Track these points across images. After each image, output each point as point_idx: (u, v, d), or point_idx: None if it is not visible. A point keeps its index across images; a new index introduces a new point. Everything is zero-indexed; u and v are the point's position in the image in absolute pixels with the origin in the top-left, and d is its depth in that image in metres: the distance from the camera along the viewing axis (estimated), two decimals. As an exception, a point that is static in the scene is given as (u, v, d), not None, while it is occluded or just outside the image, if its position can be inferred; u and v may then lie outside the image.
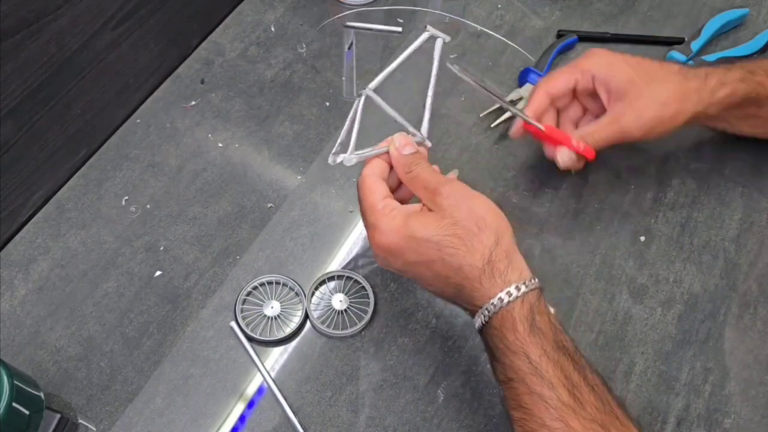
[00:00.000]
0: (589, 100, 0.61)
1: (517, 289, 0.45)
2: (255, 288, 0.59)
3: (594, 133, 0.57)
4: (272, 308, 0.58)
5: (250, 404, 0.54)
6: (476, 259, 0.46)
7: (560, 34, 0.76)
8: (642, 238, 0.63)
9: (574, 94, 0.61)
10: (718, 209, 0.65)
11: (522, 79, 0.71)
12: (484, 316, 0.46)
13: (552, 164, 0.67)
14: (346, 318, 0.58)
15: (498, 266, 0.46)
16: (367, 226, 0.51)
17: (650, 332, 0.58)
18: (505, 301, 0.45)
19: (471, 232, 0.46)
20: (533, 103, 0.58)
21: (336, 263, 0.61)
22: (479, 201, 0.48)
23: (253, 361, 0.56)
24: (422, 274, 0.49)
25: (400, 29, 0.76)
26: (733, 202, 0.65)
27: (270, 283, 0.59)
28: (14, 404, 0.42)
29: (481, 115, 0.70)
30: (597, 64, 0.56)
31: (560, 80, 0.58)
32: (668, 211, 0.65)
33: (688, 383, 0.56)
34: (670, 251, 0.63)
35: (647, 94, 0.56)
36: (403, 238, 0.48)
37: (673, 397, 0.55)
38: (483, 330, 0.47)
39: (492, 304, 0.45)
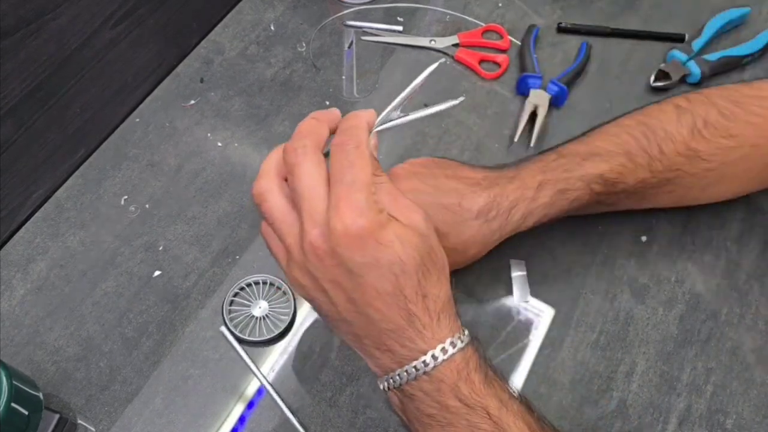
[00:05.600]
0: None
1: (467, 335, 0.40)
2: (242, 289, 0.59)
3: None
4: (260, 308, 0.58)
5: (250, 405, 0.54)
6: (444, 287, 0.39)
7: (561, 29, 0.76)
8: (643, 238, 0.63)
9: None
10: (720, 209, 0.65)
11: (522, 87, 0.70)
12: (426, 365, 0.38)
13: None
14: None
15: (451, 309, 0.40)
16: (341, 192, 0.37)
17: (652, 332, 0.58)
18: (457, 346, 0.38)
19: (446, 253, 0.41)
20: None
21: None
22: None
23: (246, 362, 0.55)
24: (362, 287, 0.38)
25: (400, 28, 0.76)
26: (735, 202, 0.65)
27: (257, 283, 0.59)
28: (13, 404, 0.42)
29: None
30: None
31: None
32: (670, 210, 0.65)
33: (689, 383, 0.56)
34: (671, 251, 0.62)
35: (449, 241, 0.50)
36: (372, 228, 0.37)
37: (674, 397, 0.55)
38: (415, 386, 0.38)
39: (442, 347, 0.38)
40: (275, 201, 0.40)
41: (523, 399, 0.40)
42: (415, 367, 0.38)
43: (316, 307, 0.41)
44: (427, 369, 0.37)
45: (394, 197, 0.40)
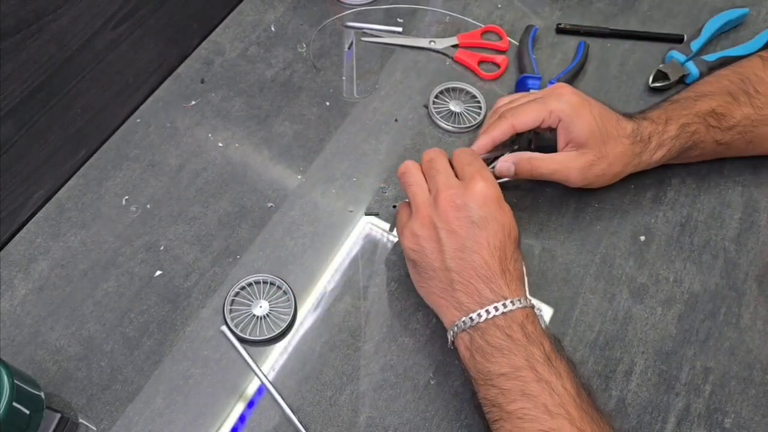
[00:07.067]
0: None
1: (532, 304, 0.51)
2: (243, 288, 0.59)
3: (539, 163, 0.59)
4: (261, 308, 0.58)
5: (250, 404, 0.54)
6: (519, 267, 0.52)
7: (560, 30, 0.76)
8: (642, 238, 0.63)
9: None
10: (718, 209, 0.65)
11: (521, 88, 0.71)
12: (505, 307, 0.49)
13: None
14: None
15: (522, 283, 0.52)
16: (475, 171, 0.53)
17: (650, 332, 0.58)
18: (530, 300, 0.50)
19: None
20: (496, 131, 0.59)
21: (336, 263, 0.61)
22: None
23: (246, 362, 0.56)
24: (477, 236, 0.51)
25: (400, 29, 0.76)
26: (733, 202, 0.65)
27: (257, 282, 0.59)
28: (15, 404, 0.42)
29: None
30: (565, 109, 0.58)
31: (529, 117, 0.59)
32: (668, 210, 0.65)
33: (688, 383, 0.56)
34: (670, 251, 0.63)
35: (600, 152, 0.59)
36: (499, 197, 0.53)
37: (673, 397, 0.56)
38: (490, 322, 0.49)
39: (519, 300, 0.49)
40: (415, 171, 0.55)
41: (568, 357, 0.50)
42: (495, 307, 0.49)
43: (419, 257, 0.53)
44: (505, 310, 0.49)
45: None
